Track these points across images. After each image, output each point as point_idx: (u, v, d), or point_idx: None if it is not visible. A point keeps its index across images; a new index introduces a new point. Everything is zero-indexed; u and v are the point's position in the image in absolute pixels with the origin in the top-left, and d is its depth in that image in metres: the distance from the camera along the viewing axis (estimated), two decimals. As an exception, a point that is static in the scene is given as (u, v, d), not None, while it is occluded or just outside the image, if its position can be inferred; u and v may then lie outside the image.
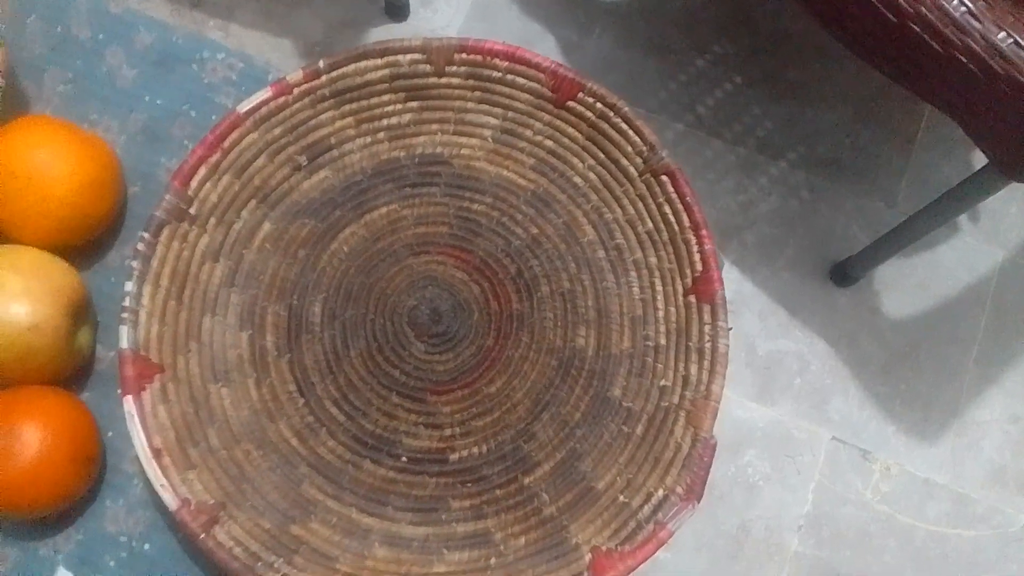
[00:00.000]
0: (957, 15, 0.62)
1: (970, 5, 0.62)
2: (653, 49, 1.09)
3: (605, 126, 0.45)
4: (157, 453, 0.39)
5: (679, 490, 0.40)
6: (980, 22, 0.62)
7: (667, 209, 0.44)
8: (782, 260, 1.05)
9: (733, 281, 1.03)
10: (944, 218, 0.83)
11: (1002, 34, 0.62)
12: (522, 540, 0.41)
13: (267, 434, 0.42)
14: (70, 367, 0.41)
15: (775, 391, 1.01)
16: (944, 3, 0.62)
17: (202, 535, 0.38)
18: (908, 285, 1.05)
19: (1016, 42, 0.61)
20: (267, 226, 0.45)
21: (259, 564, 0.38)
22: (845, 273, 1.02)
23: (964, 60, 0.63)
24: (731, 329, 0.43)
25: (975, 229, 1.08)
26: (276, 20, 1.02)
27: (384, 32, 1.04)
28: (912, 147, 1.10)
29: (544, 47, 1.09)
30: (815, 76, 1.10)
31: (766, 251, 1.05)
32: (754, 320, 1.02)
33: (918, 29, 0.64)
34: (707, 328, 0.43)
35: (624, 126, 0.45)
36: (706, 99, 1.08)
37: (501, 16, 1.07)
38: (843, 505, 0.98)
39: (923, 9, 0.63)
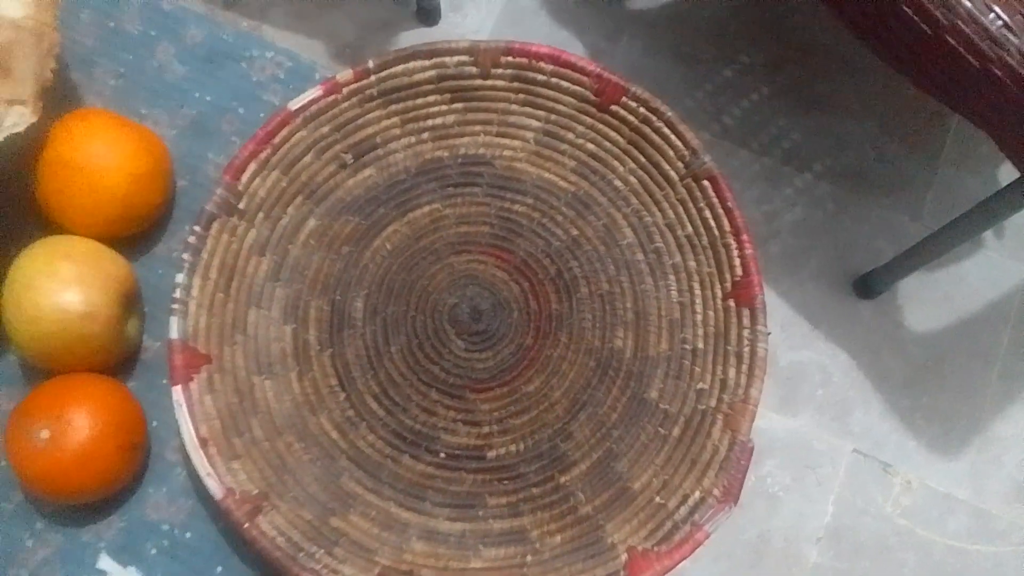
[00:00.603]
0: (993, 28, 0.63)
1: (1006, 19, 0.63)
2: (681, 57, 1.09)
3: (648, 130, 0.46)
4: (203, 442, 0.40)
5: (716, 492, 0.40)
6: (1017, 36, 0.63)
7: (708, 214, 0.45)
8: (806, 271, 1.05)
9: (756, 291, 1.03)
10: (970, 233, 0.83)
11: (1038, 48, 0.62)
12: (558, 538, 0.41)
13: (308, 426, 0.43)
14: (119, 355, 0.42)
15: (797, 402, 1.01)
16: (980, 16, 0.63)
17: (246, 524, 0.38)
18: (931, 299, 1.05)
19: (1052, 57, 0.61)
20: (312, 222, 0.45)
21: (301, 554, 0.39)
22: (868, 286, 1.02)
23: (999, 73, 0.63)
24: (770, 334, 0.43)
25: (1000, 245, 1.08)
26: (308, 21, 1.03)
27: (415, 36, 1.05)
28: (938, 161, 1.10)
29: (573, 52, 1.09)
30: (842, 88, 1.10)
31: (790, 262, 1.05)
32: (777, 330, 1.03)
33: (954, 42, 0.64)
34: (746, 332, 0.43)
35: (667, 131, 0.45)
36: (732, 109, 1.08)
37: (530, 21, 1.08)
38: (863, 518, 0.98)
39: (959, 22, 0.63)
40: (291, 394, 0.43)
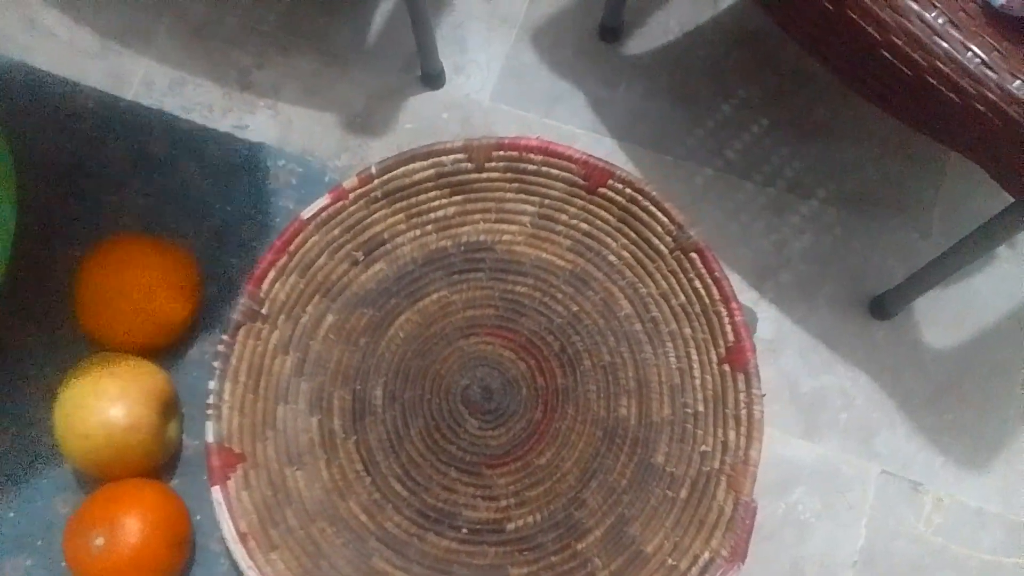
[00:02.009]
0: (971, 67, 0.65)
1: (984, 56, 0.65)
2: (679, 98, 1.12)
3: (635, 209, 0.49)
4: (243, 537, 0.43)
5: (724, 552, 0.43)
6: (995, 72, 0.65)
7: (698, 284, 0.47)
8: (820, 297, 1.06)
9: (772, 320, 1.05)
10: (977, 254, 0.85)
11: (1017, 82, 0.64)
12: (579, 604, 0.44)
13: (339, 511, 0.46)
14: (162, 458, 0.45)
15: (821, 427, 1.02)
16: (958, 56, 0.65)
17: (286, 610, 0.41)
18: (948, 315, 1.06)
19: (1031, 91, 0.63)
20: (330, 318, 0.49)
21: (338, 635, 0.42)
22: (884, 307, 1.03)
23: (981, 109, 0.65)
24: (764, 395, 0.45)
25: (1013, 255, 1.09)
26: (319, 95, 1.08)
27: (422, 100, 1.09)
28: (943, 177, 1.11)
29: (574, 103, 1.13)
30: (841, 113, 1.12)
31: (803, 289, 1.07)
32: (795, 358, 1.04)
33: (935, 82, 0.66)
34: (742, 396, 0.45)
35: (653, 208, 0.48)
36: (734, 143, 1.11)
37: (531, 76, 1.12)
38: (896, 539, 0.98)
39: (938, 63, 0.65)
40: (321, 482, 0.46)
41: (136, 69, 1.08)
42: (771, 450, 1.00)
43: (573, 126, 1.11)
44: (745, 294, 1.05)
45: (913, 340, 1.05)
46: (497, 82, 1.11)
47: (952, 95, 0.66)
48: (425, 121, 1.10)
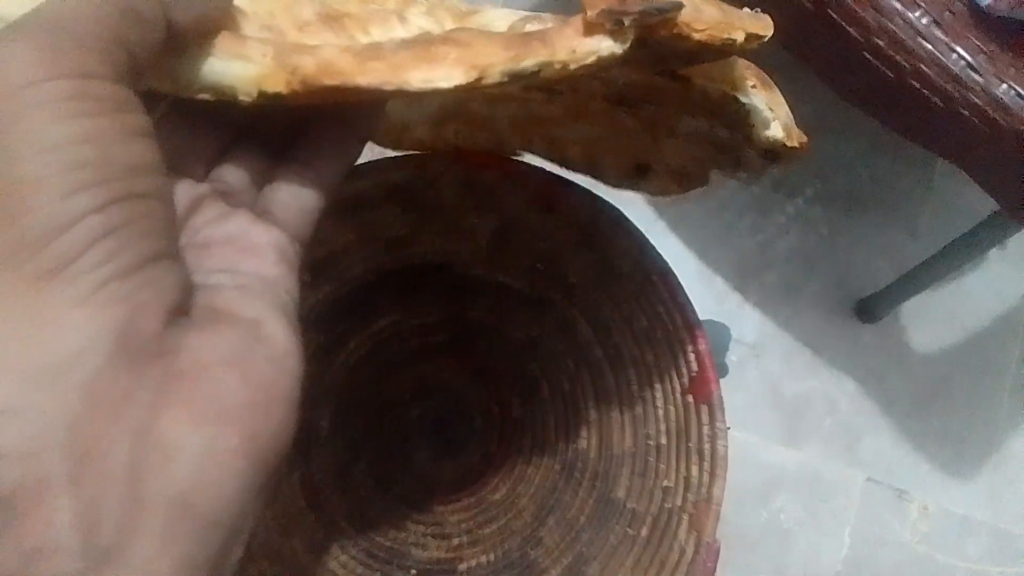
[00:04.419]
0: (956, 69, 0.62)
1: (970, 59, 0.62)
2: (663, 93, 1.09)
3: (595, 228, 0.46)
4: None
5: (684, 596, 0.40)
6: (981, 75, 0.62)
7: (660, 309, 0.45)
8: (804, 299, 1.04)
9: (756, 323, 1.03)
10: (965, 259, 0.82)
11: (1003, 86, 0.61)
12: (533, 648, 0.42)
13: (281, 551, 0.44)
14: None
15: (804, 433, 1.00)
16: (943, 58, 0.62)
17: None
18: (935, 318, 1.04)
19: (1018, 94, 0.61)
20: (273, 344, 0.46)
21: None
22: (870, 310, 1.01)
23: (966, 114, 0.62)
24: (729, 429, 0.43)
25: (1002, 256, 1.06)
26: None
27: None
28: (932, 175, 1.09)
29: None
30: (829, 110, 1.09)
31: (788, 290, 1.04)
32: (779, 361, 1.02)
33: (918, 85, 0.63)
34: (706, 429, 0.43)
35: (613, 228, 0.45)
36: (718, 141, 1.08)
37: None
38: (881, 547, 0.96)
39: (922, 66, 0.63)
40: (262, 519, 0.44)
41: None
42: (753, 456, 0.98)
43: (553, 123, 1.09)
44: (728, 296, 1.03)
45: (899, 343, 1.03)
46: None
47: (936, 99, 0.63)
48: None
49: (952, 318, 1.03)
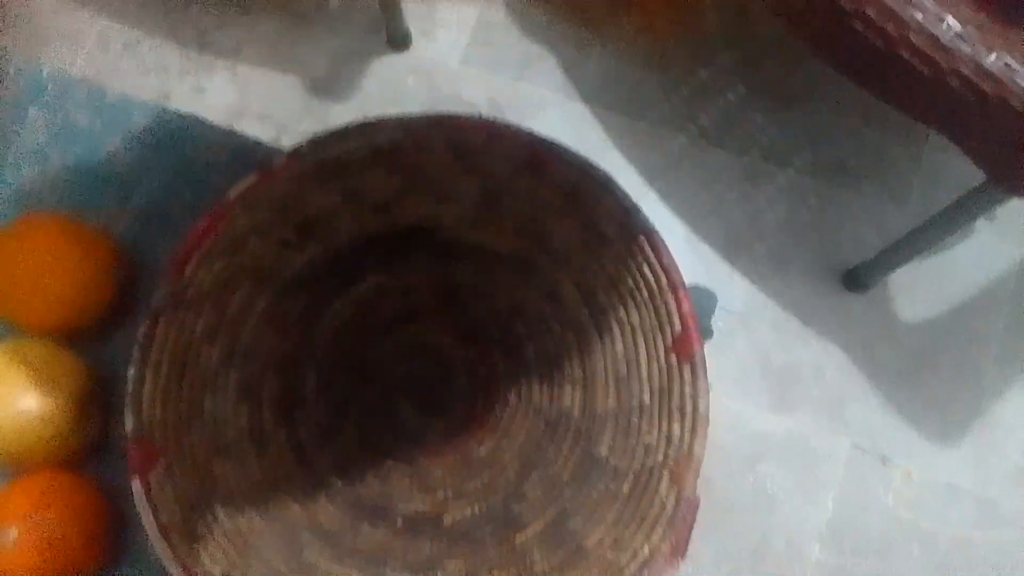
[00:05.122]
0: (946, 40, 0.62)
1: (959, 29, 0.62)
2: (654, 63, 1.09)
3: (582, 191, 0.46)
4: (164, 530, 0.41)
5: (664, 548, 0.41)
6: (969, 45, 0.62)
7: (646, 270, 0.45)
8: (793, 269, 1.05)
9: (744, 292, 1.03)
10: (952, 229, 0.83)
11: (992, 57, 0.61)
12: (515, 599, 0.43)
13: (269, 503, 0.44)
14: (81, 450, 0.44)
15: (792, 401, 1.01)
16: (931, 28, 0.62)
17: (210, 608, 0.40)
18: (924, 288, 1.05)
19: (1007, 64, 0.61)
20: (261, 304, 0.46)
21: (264, 632, 0.40)
22: (858, 279, 1.02)
23: (955, 84, 0.62)
24: (714, 391, 0.43)
25: (991, 227, 1.07)
26: (280, 57, 1.04)
27: (388, 63, 1.06)
28: (922, 146, 1.09)
29: (546, 67, 1.09)
30: (819, 80, 1.09)
31: (777, 261, 1.05)
32: (767, 331, 1.03)
33: (906, 55, 0.63)
34: (688, 388, 0.43)
35: (600, 191, 0.46)
36: (709, 110, 1.08)
37: (501, 40, 1.08)
38: (865, 513, 0.98)
39: (910, 35, 0.63)
40: (250, 473, 0.45)
41: (91, 29, 1.04)
42: (741, 423, 0.99)
43: (544, 89, 1.08)
44: (717, 266, 1.04)
45: (887, 313, 1.03)
46: (466, 45, 1.07)
47: (925, 69, 0.63)
48: (390, 85, 1.07)
49: (940, 288, 1.04)
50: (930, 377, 1.02)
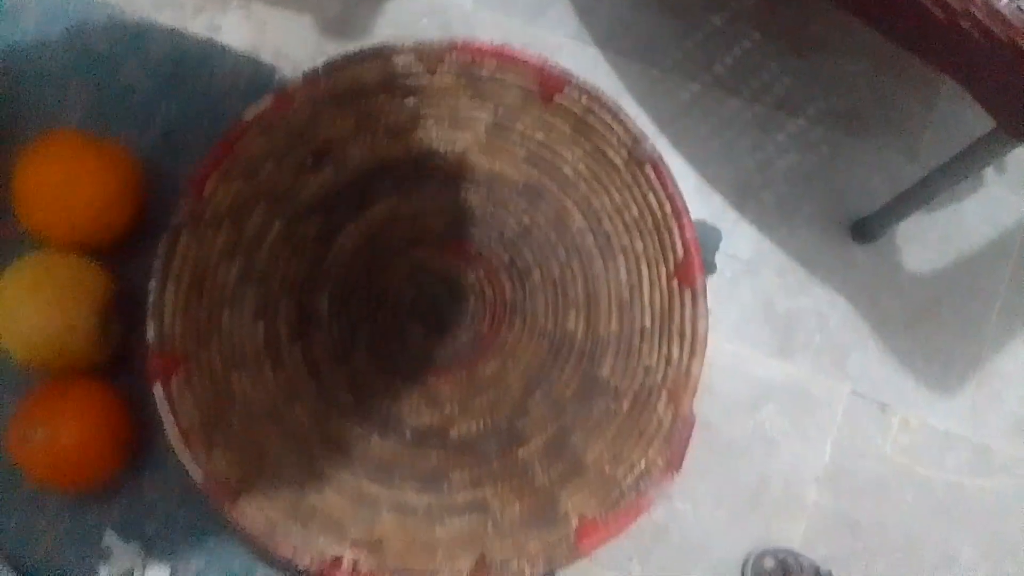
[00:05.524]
0: (960, -21, 0.62)
1: (973, -32, 0.62)
2: (669, 9, 1.08)
3: (591, 119, 0.47)
4: (185, 434, 0.43)
5: (660, 462, 0.43)
6: (983, -15, 0.62)
7: (652, 198, 0.46)
8: (801, 217, 1.05)
9: (752, 240, 1.04)
10: (960, 176, 0.83)
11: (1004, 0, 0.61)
12: (516, 508, 0.45)
13: (283, 415, 0.46)
14: (105, 358, 0.46)
15: (794, 348, 1.02)
16: (946, -33, 0.62)
17: (227, 506, 0.42)
18: (930, 239, 1.05)
19: (1018, 7, 0.61)
20: (277, 225, 0.48)
21: (278, 530, 0.43)
22: (865, 230, 1.03)
23: (966, 26, 0.63)
24: (710, 313, 0.45)
25: (1001, 180, 1.07)
26: (296, -3, 1.04)
27: (401, 3, 1.06)
28: (936, 98, 1.08)
29: (560, 11, 1.09)
30: (835, 28, 1.08)
31: (785, 209, 1.06)
32: (772, 278, 1.04)
33: (920, -5, 0.63)
34: (688, 312, 0.45)
35: (609, 119, 0.47)
36: (724, 57, 1.08)
37: (515, -20, 1.08)
38: (861, 458, 1.00)
39: (925, -26, 0.62)
40: (266, 386, 0.47)
41: (105, -37, 1.04)
42: (743, 369, 1.01)
43: (558, 34, 1.08)
44: (726, 213, 1.04)
45: (894, 264, 1.04)
46: (479, -14, 1.07)
47: (937, 11, 0.63)
48: (404, 27, 1.07)
49: (946, 240, 1.05)
50: (933, 328, 1.03)
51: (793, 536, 0.97)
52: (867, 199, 1.04)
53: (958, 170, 0.82)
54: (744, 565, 0.95)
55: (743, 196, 1.05)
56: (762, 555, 0.93)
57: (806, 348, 1.04)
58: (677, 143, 1.06)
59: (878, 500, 0.99)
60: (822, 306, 1.04)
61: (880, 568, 0.97)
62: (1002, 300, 1.04)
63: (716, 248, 0.58)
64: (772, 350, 1.03)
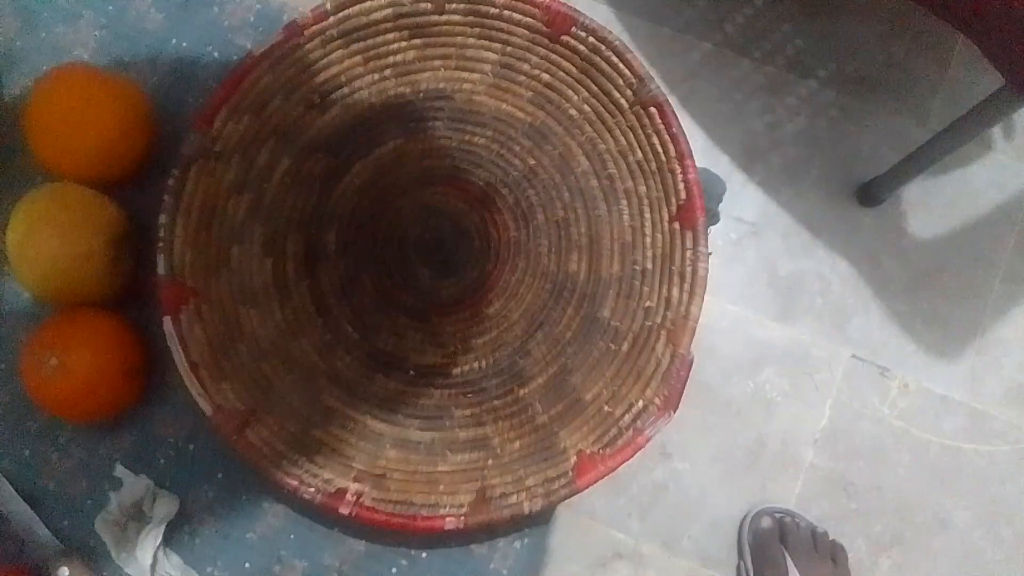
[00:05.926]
0: (974, -68, 0.62)
1: (988, -79, 0.61)
2: (681, -34, 1.07)
3: (597, 59, 0.47)
4: (194, 367, 0.44)
5: (657, 401, 0.44)
6: (998, -61, 0.61)
7: (655, 140, 0.47)
8: (807, 181, 1.05)
9: (758, 202, 1.04)
10: (964, 139, 0.83)
11: (1019, -49, 0.61)
12: (516, 444, 0.46)
13: (290, 350, 0.47)
14: (117, 289, 0.46)
15: (796, 310, 1.03)
16: (961, -80, 0.61)
17: (234, 437, 0.43)
18: (936, 204, 1.05)
19: (1033, -41, 0.60)
20: (285, 161, 0.49)
21: (284, 462, 0.44)
22: (871, 193, 1.03)
23: (979, -21, 0.62)
24: (711, 254, 0.45)
25: (1008, 146, 1.07)
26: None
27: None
28: (948, 63, 1.08)
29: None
30: (849, -10, 1.07)
31: (792, 172, 1.05)
32: (777, 240, 1.04)
33: (933, -53, 0.63)
34: (689, 253, 0.46)
35: (615, 59, 0.47)
36: (735, 17, 1.07)
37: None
38: (859, 420, 1.01)
39: (939, -73, 0.62)
40: (274, 321, 0.48)
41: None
42: (745, 330, 1.02)
43: (567, -9, 1.07)
44: (733, 175, 1.04)
45: (898, 228, 1.04)
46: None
47: (951, -38, 0.63)
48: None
49: (952, 206, 1.05)
50: (935, 293, 1.03)
51: (789, 496, 0.98)
52: (875, 164, 1.04)
53: (965, 131, 0.82)
54: (742, 524, 0.97)
55: (751, 158, 1.05)
56: (760, 514, 0.95)
57: (808, 311, 1.04)
58: (686, 103, 1.06)
59: (875, 462, 1.00)
60: (825, 269, 1.04)
61: (875, 529, 0.98)
62: (1005, 267, 1.04)
63: (720, 198, 0.59)
64: (774, 313, 1.04)
